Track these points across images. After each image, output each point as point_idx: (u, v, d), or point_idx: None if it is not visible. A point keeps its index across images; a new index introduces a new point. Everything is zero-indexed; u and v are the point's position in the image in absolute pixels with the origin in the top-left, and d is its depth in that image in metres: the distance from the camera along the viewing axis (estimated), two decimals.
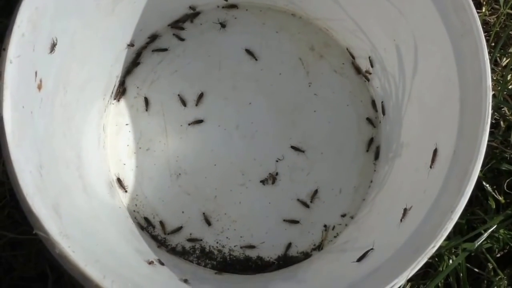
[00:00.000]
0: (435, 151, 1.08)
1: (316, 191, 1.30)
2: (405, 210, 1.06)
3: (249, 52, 1.36)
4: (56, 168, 1.02)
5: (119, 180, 1.30)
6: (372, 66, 1.31)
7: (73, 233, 0.92)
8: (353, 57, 1.36)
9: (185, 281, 1.13)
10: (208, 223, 1.29)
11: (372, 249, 1.09)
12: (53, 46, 0.99)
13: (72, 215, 0.99)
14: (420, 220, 1.01)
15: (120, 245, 1.14)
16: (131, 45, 1.28)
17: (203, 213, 1.30)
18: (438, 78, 1.09)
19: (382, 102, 1.31)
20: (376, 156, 1.33)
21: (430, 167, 1.07)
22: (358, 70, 1.35)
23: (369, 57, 1.30)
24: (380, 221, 1.19)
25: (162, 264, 1.15)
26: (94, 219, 1.10)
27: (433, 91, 1.12)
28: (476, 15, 1.01)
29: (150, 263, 1.12)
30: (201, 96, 1.34)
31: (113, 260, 1.02)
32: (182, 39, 1.37)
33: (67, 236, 0.90)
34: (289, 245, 1.29)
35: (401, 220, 1.06)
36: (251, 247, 1.28)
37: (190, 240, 1.29)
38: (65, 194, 1.02)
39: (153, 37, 1.37)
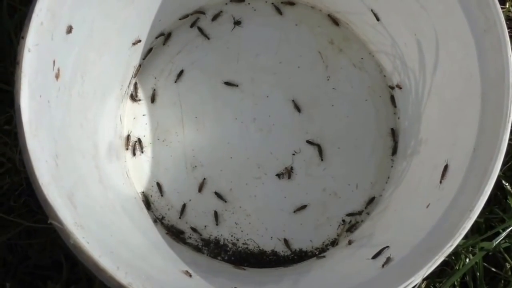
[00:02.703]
0: (446, 167, 1.07)
1: (304, 206, 1.30)
2: (388, 258, 1.04)
3: (295, 104, 1.34)
4: (72, 158, 1.02)
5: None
6: (378, 19, 1.27)
7: (88, 223, 0.92)
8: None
9: None
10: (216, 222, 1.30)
11: (387, 246, 1.08)
12: (70, 28, 0.99)
13: (87, 205, 1.00)
14: (437, 218, 1.01)
15: (134, 236, 1.14)
16: (137, 42, 1.26)
17: (214, 211, 1.29)
18: (459, 74, 1.08)
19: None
20: (394, 152, 1.32)
21: (440, 182, 1.07)
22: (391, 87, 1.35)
23: (372, 10, 1.26)
24: (396, 218, 1.18)
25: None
26: (109, 209, 1.10)
27: (454, 87, 1.11)
28: (500, 11, 1.00)
29: (186, 273, 1.11)
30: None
31: (127, 252, 1.02)
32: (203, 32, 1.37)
33: (81, 227, 0.89)
34: (286, 241, 1.28)
35: (383, 266, 1.04)
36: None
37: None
38: (81, 184, 1.02)
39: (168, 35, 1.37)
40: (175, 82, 1.34)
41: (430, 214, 1.04)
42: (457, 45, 1.08)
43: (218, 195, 1.30)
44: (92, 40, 1.08)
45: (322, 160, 1.30)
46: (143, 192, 1.30)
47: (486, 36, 1.01)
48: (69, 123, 1.03)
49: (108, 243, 0.98)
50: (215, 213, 1.29)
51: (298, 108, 1.33)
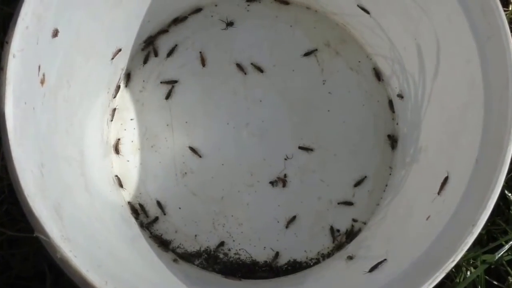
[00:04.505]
0: (446, 179, 1.04)
1: (294, 217, 1.27)
2: None
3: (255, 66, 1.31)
4: (58, 166, 0.99)
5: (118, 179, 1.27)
6: (368, 13, 1.23)
7: (75, 235, 0.89)
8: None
9: None
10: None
11: (385, 259, 1.05)
12: (56, 32, 0.95)
13: (74, 216, 0.96)
14: (438, 231, 0.98)
15: (122, 248, 1.11)
16: (117, 52, 1.20)
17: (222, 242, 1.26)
18: (461, 82, 1.05)
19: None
20: (393, 146, 1.29)
21: (438, 193, 1.04)
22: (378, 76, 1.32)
23: (358, 5, 1.23)
24: (395, 229, 1.15)
25: None
26: (96, 219, 1.07)
27: (455, 95, 1.07)
28: (504, 17, 0.96)
29: None
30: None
31: (115, 264, 0.99)
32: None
33: (68, 240, 0.86)
34: (277, 254, 1.25)
35: None
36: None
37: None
38: (67, 194, 0.99)
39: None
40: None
41: (430, 226, 1.01)
42: (459, 51, 1.04)
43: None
44: (78, 43, 1.04)
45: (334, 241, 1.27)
46: (129, 202, 1.27)
47: (490, 43, 0.98)
48: (54, 130, 1.00)
49: (96, 256, 0.95)
50: (222, 243, 1.26)
51: (260, 69, 1.30)
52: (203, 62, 1.30)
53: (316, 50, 1.31)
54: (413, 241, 1.04)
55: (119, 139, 1.28)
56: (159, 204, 1.26)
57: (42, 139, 0.93)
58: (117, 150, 1.27)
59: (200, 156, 1.28)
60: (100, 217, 1.09)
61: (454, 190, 1.00)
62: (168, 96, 1.29)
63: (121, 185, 1.26)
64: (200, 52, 1.31)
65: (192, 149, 1.27)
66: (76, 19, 1.01)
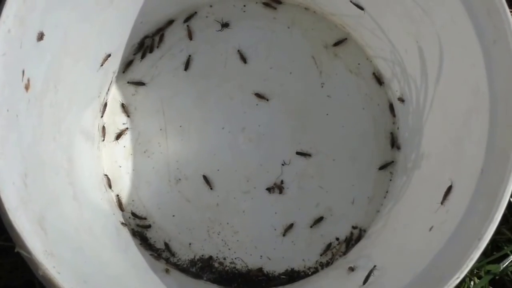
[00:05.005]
0: (450, 188, 1.00)
1: (291, 225, 1.23)
2: None
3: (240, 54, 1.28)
4: (43, 175, 0.95)
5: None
6: (362, 9, 1.19)
7: (60, 250, 0.86)
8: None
9: None
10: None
11: (375, 266, 1.03)
12: (41, 35, 0.91)
13: (59, 228, 0.93)
14: (442, 244, 0.94)
15: (113, 260, 1.08)
16: (106, 58, 1.16)
17: (210, 256, 1.22)
18: (465, 86, 1.00)
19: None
20: (392, 144, 1.26)
21: (441, 203, 1.00)
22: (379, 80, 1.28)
23: (350, 1, 1.19)
24: (396, 239, 1.12)
25: None
26: (85, 231, 1.03)
27: (459, 100, 1.03)
28: (511, 19, 0.92)
29: None
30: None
31: (104, 279, 0.97)
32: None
33: (52, 255, 0.83)
34: (260, 269, 1.22)
35: None
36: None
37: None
38: (53, 205, 0.95)
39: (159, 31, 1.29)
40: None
41: (433, 238, 0.98)
42: (463, 54, 1.00)
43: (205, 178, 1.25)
44: (66, 46, 1.01)
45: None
46: (118, 196, 1.24)
47: (495, 47, 0.94)
48: (40, 137, 0.96)
49: (82, 270, 0.92)
50: (210, 258, 1.22)
51: (244, 59, 1.28)
52: (190, 35, 1.28)
53: (346, 39, 1.28)
54: (414, 254, 1.01)
55: (126, 129, 1.25)
56: (167, 245, 1.22)
57: (27, 147, 0.90)
58: (117, 137, 1.25)
59: (211, 188, 1.24)
60: (89, 228, 1.05)
61: (459, 200, 0.96)
62: (186, 67, 1.27)
63: (109, 186, 1.23)
64: (188, 26, 1.28)
65: (206, 179, 1.24)
66: (63, 21, 0.98)
